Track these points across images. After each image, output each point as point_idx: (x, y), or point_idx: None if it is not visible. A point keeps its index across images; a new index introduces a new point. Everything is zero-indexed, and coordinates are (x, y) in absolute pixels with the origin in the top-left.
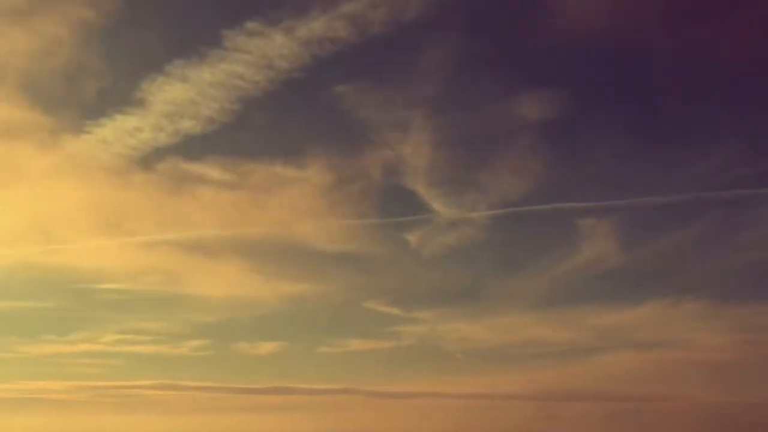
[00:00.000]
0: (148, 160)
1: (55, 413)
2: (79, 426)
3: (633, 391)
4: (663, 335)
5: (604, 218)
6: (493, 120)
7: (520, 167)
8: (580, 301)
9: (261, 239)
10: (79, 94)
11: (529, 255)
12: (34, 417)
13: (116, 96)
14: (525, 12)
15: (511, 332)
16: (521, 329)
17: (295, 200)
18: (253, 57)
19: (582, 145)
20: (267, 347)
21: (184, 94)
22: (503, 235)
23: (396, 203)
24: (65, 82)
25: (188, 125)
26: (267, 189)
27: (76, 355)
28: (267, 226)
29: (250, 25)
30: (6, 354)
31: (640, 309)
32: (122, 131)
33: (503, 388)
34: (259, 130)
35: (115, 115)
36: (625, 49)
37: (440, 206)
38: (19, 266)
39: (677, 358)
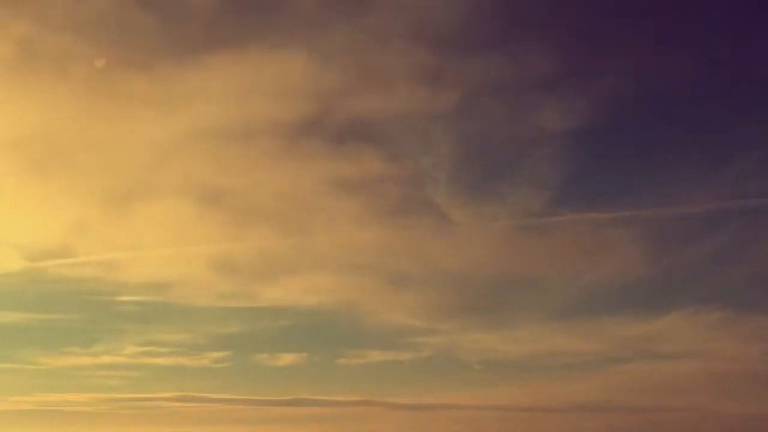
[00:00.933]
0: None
1: (78, 425)
2: None
3: (655, 402)
4: (686, 345)
5: (626, 228)
6: (513, 130)
7: (540, 177)
8: (602, 312)
9: (279, 251)
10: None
11: (549, 266)
12: (57, 429)
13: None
14: None
15: (532, 343)
16: (542, 340)
17: (315, 212)
18: None
19: (604, 155)
20: (286, 359)
21: None
22: (523, 246)
23: (416, 215)
24: None
25: None
26: (289, 201)
27: (98, 367)
28: (285, 237)
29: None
30: (29, 366)
31: (663, 319)
32: None
33: (524, 400)
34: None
35: None
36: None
37: (460, 217)
38: (41, 279)
39: (700, 369)
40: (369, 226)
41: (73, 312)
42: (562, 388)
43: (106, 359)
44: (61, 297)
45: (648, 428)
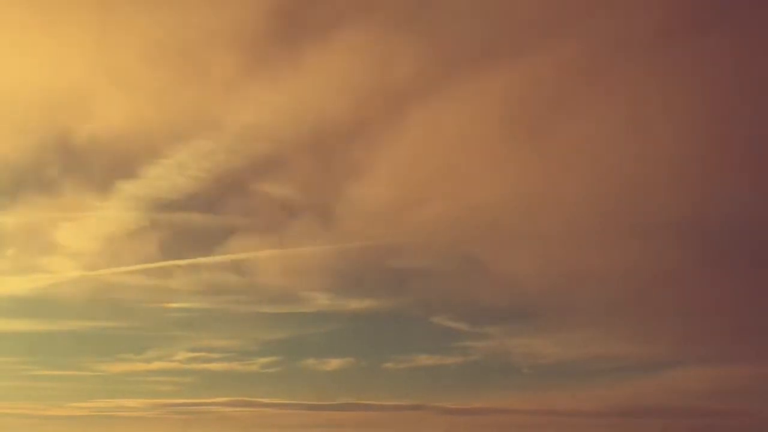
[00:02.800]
0: (221, 182)
1: (133, 430)
2: None
3: (709, 406)
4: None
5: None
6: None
7: None
8: (654, 315)
9: (330, 257)
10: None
11: (598, 269)
12: None
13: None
14: None
15: (582, 347)
16: (593, 343)
17: (365, 217)
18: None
19: None
20: (334, 363)
21: (259, 116)
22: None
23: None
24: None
25: (261, 147)
26: (335, 207)
27: (150, 373)
28: (335, 243)
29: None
30: (86, 372)
31: (717, 321)
32: (198, 155)
33: (574, 405)
34: (331, 149)
35: (191, 140)
36: None
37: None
38: (95, 288)
39: (753, 373)
40: None
41: (125, 319)
42: (614, 392)
43: (158, 365)
44: (114, 305)
45: None
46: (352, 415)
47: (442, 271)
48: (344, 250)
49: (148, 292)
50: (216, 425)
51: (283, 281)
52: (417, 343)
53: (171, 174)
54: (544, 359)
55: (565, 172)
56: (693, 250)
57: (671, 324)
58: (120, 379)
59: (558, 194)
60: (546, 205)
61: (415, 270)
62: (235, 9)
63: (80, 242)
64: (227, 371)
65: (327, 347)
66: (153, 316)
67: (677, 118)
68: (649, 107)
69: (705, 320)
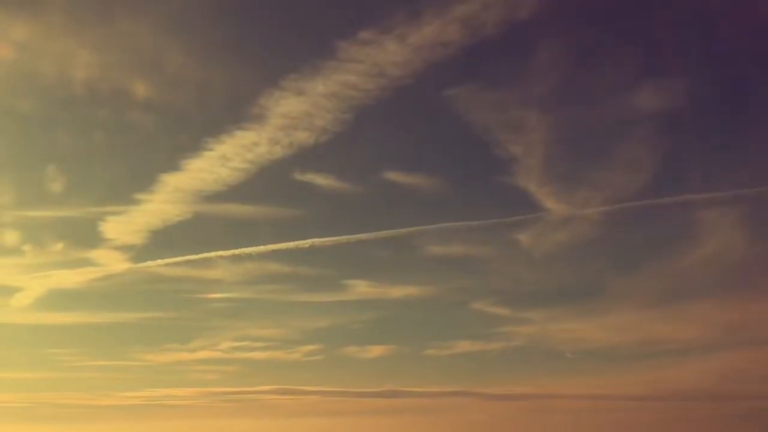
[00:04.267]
0: (264, 173)
1: (182, 419)
2: (202, 430)
3: (757, 390)
4: None
5: (728, 209)
6: (609, 113)
7: (636, 160)
8: (701, 297)
9: (371, 244)
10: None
11: (646, 251)
12: (163, 422)
13: (235, 112)
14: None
15: (627, 331)
16: (637, 327)
17: (407, 205)
18: (365, 66)
19: (703, 134)
20: (375, 351)
21: (299, 106)
22: (619, 231)
23: (507, 203)
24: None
25: (302, 137)
26: (378, 195)
27: (196, 362)
28: (377, 231)
29: (364, 34)
30: (133, 363)
31: (765, 304)
32: (240, 147)
33: (619, 389)
34: (371, 137)
35: (234, 131)
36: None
37: (553, 204)
38: (141, 279)
39: None
40: None
41: (171, 310)
42: (657, 376)
43: (203, 354)
44: (160, 296)
45: (749, 417)
46: (396, 402)
47: (483, 257)
48: (383, 238)
49: (193, 283)
50: (260, 413)
51: (325, 270)
52: (458, 329)
53: (214, 166)
54: (589, 343)
55: None
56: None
57: (720, 307)
58: (166, 369)
59: None
60: None
61: (456, 256)
62: None
63: (127, 235)
64: (270, 360)
65: (368, 335)
66: (197, 306)
67: None
68: None
69: (754, 303)
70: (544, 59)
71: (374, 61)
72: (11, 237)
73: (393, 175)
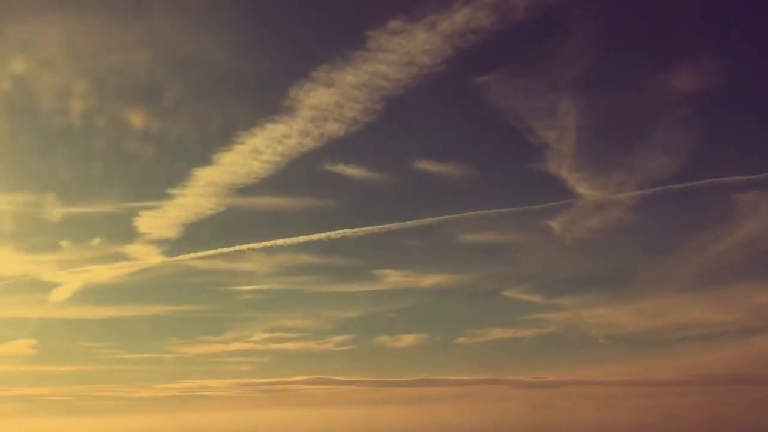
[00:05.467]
0: (295, 165)
1: (216, 410)
2: (238, 421)
3: None
4: None
5: (765, 192)
6: (643, 96)
7: (671, 143)
8: (737, 281)
9: (402, 234)
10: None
11: (680, 235)
12: (198, 414)
13: (266, 105)
14: None
15: (661, 316)
16: (672, 312)
17: (438, 194)
18: (395, 55)
19: (740, 116)
20: (407, 340)
21: (329, 98)
22: (652, 215)
23: (539, 190)
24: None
25: (333, 128)
26: (409, 185)
27: (229, 353)
28: (408, 220)
29: (394, 23)
30: (169, 355)
31: None
32: (271, 139)
33: (652, 375)
34: (401, 127)
35: (265, 124)
36: None
37: (585, 189)
38: (175, 272)
39: None
40: None
41: (204, 302)
42: (693, 361)
43: (236, 346)
44: (193, 289)
45: None
46: (429, 391)
47: (514, 244)
48: (414, 228)
49: (226, 275)
50: (294, 403)
51: (356, 261)
52: (490, 317)
53: (246, 159)
54: (622, 329)
55: None
56: None
57: (756, 291)
58: (201, 361)
59: None
60: None
61: (487, 244)
62: None
63: (161, 230)
64: (303, 350)
65: (400, 324)
66: (230, 298)
67: None
68: None
69: None
70: (576, 43)
71: (404, 50)
72: (49, 234)
73: (424, 164)
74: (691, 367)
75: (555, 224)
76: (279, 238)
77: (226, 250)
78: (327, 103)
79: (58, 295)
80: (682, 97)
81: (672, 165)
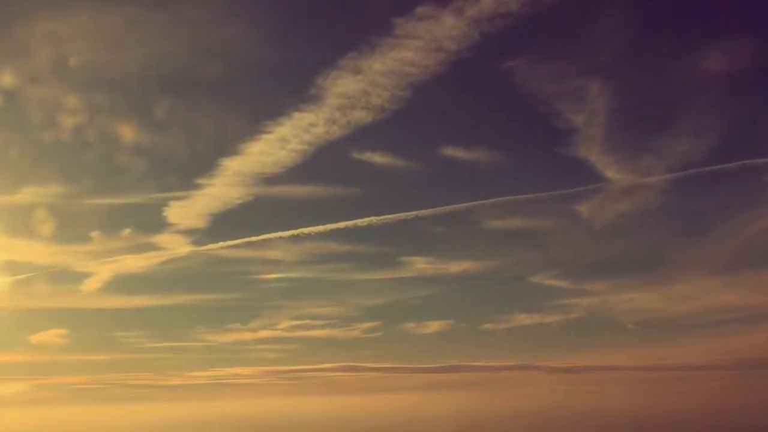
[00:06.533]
0: (322, 153)
1: (245, 397)
2: (266, 408)
3: None
4: None
5: None
6: (674, 78)
7: (701, 125)
8: (766, 265)
9: (429, 221)
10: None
11: (711, 218)
12: (228, 401)
13: (293, 94)
14: None
15: (691, 300)
16: (703, 296)
17: (465, 180)
18: (423, 42)
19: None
20: (434, 326)
21: (356, 85)
22: (683, 199)
23: (568, 174)
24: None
25: (360, 116)
26: (437, 171)
27: (257, 341)
28: (435, 207)
29: (421, 10)
30: (198, 343)
31: None
32: (299, 128)
33: (682, 359)
34: (428, 113)
35: (292, 113)
36: None
37: (614, 173)
38: (204, 262)
39: None
40: None
41: (232, 291)
42: (724, 345)
43: (264, 334)
44: (222, 278)
45: None
46: (457, 377)
47: (542, 229)
48: (440, 214)
49: (253, 264)
50: (322, 390)
51: (383, 248)
52: (517, 303)
53: (273, 149)
54: (651, 314)
55: None
56: None
57: None
58: (229, 349)
59: None
60: None
61: (514, 229)
62: None
63: (189, 220)
64: (330, 337)
65: (427, 311)
66: (258, 286)
67: None
68: None
69: None
70: (605, 26)
71: (432, 36)
72: (80, 225)
73: (451, 151)
74: (722, 352)
75: (583, 209)
76: (306, 227)
77: (253, 238)
78: (354, 90)
79: (89, 285)
80: (712, 79)
81: (703, 147)
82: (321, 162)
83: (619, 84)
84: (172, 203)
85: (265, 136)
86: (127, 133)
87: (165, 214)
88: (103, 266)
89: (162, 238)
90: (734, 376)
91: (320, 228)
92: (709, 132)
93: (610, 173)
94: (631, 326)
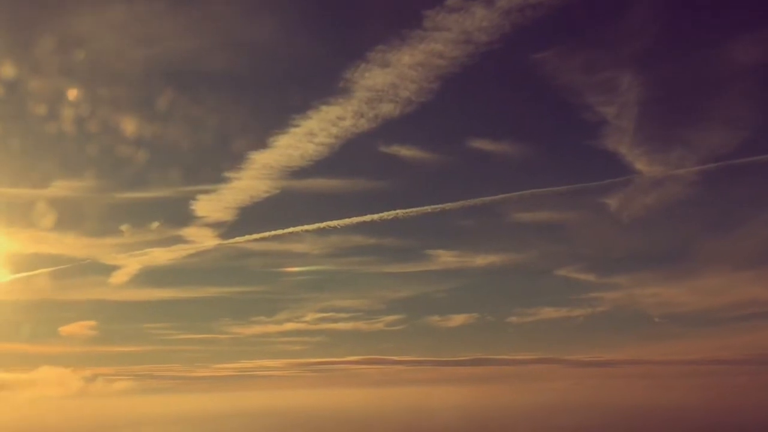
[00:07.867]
0: (349, 146)
1: (271, 389)
2: (292, 400)
3: None
4: None
5: None
6: (705, 69)
7: (733, 117)
8: None
9: (455, 214)
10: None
11: (741, 211)
12: (254, 393)
13: (321, 87)
14: None
15: (720, 294)
16: (731, 290)
17: (492, 173)
18: (452, 33)
19: None
20: (459, 319)
21: (384, 78)
22: (713, 191)
23: (596, 167)
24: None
25: (387, 109)
26: (464, 164)
27: (282, 334)
28: (461, 200)
29: (451, 1)
30: (224, 336)
31: None
32: (326, 121)
33: (709, 354)
34: (457, 106)
35: (320, 106)
36: None
37: (644, 166)
38: (230, 255)
39: None
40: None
41: (258, 283)
42: (752, 339)
43: (289, 326)
44: (248, 270)
45: None
46: (482, 370)
47: (569, 222)
48: (467, 207)
49: (279, 257)
50: (347, 383)
51: (408, 241)
52: (543, 296)
53: (301, 142)
54: (678, 308)
55: None
56: None
57: None
58: (256, 341)
59: None
60: None
61: (541, 222)
62: None
63: (217, 213)
64: (355, 330)
65: (452, 304)
66: (283, 279)
67: None
68: None
69: None
70: (636, 17)
71: (461, 27)
72: (109, 218)
73: (479, 143)
74: (751, 346)
75: (611, 201)
76: (332, 220)
77: (280, 232)
78: (382, 83)
79: (117, 277)
80: (744, 70)
81: (734, 139)
82: (348, 155)
83: (649, 75)
84: (200, 197)
85: (293, 129)
86: (157, 128)
87: (193, 207)
88: (131, 259)
89: (189, 232)
90: (763, 371)
91: (346, 221)
92: (740, 124)
93: (640, 165)
94: (658, 320)
